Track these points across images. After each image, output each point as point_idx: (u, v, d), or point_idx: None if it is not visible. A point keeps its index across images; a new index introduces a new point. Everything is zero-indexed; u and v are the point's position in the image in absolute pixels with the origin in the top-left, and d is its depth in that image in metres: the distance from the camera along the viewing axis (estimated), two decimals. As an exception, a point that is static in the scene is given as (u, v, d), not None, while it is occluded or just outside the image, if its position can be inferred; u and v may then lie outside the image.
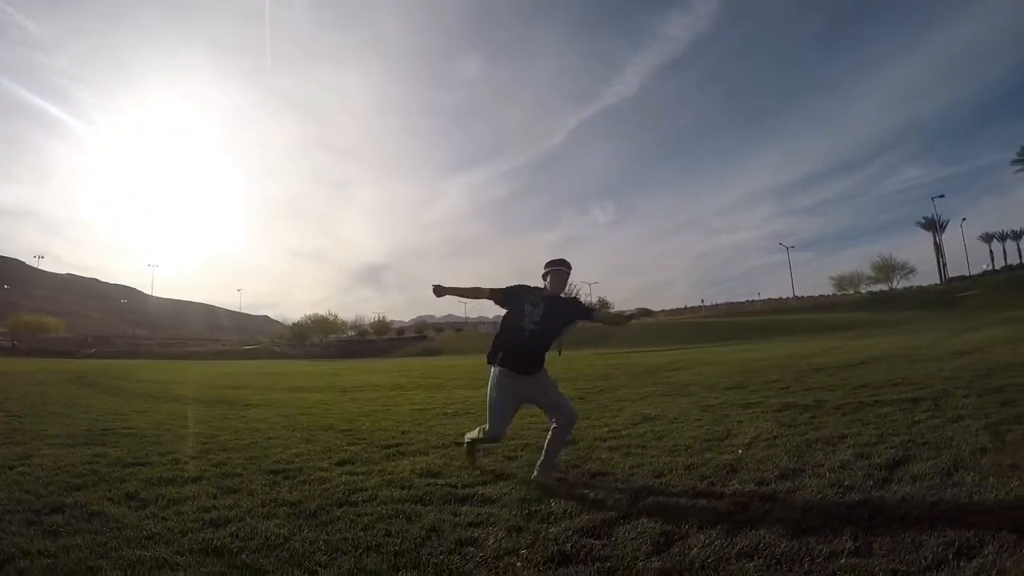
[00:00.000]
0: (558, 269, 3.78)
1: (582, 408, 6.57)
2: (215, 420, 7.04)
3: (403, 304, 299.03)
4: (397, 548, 2.53)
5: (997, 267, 62.35)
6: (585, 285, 73.06)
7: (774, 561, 2.24)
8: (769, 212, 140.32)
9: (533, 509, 3.05)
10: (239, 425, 6.55)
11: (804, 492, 3.13)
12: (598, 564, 2.31)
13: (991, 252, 66.74)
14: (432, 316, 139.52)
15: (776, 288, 76.64)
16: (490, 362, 3.78)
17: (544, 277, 3.81)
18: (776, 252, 75.18)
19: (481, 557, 2.42)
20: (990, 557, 2.12)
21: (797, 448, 4.17)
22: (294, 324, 79.61)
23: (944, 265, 61.49)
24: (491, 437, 3.80)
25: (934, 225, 61.86)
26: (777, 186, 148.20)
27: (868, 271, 64.64)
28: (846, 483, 3.22)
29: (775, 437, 4.60)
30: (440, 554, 2.46)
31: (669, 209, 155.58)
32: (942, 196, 63.42)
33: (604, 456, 4.33)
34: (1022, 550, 2.14)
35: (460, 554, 2.46)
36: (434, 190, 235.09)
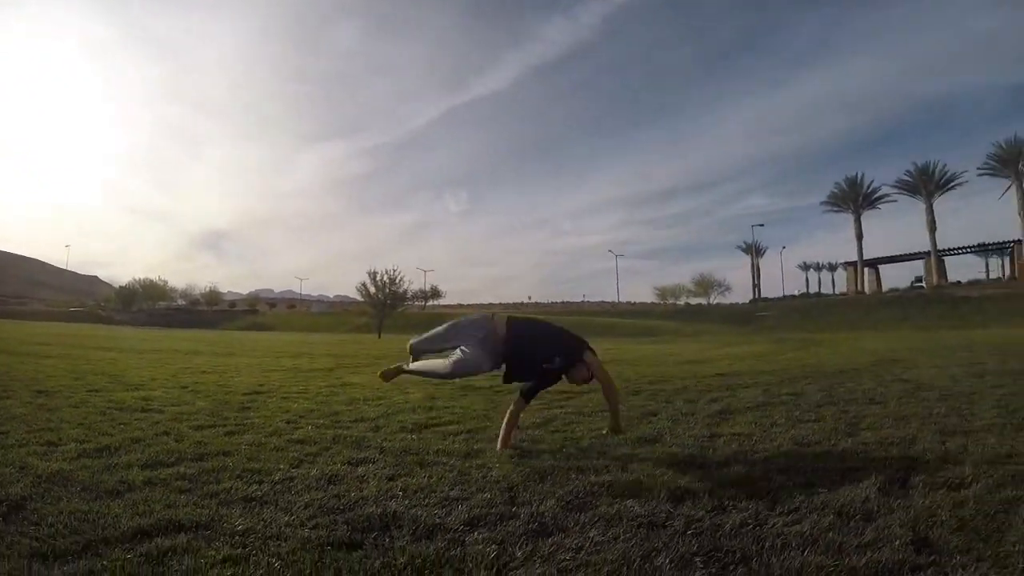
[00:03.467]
0: None
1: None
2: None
3: (243, 275, 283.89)
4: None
5: (808, 292, 72.72)
6: (420, 272, 75.00)
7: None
8: (619, 220, 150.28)
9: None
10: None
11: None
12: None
13: (807, 280, 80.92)
14: (271, 290, 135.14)
15: (614, 293, 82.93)
16: None
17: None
18: (621, 258, 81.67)
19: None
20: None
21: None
22: (121, 288, 75.51)
23: (757, 287, 70.74)
24: None
25: (752, 250, 71.12)
26: (630, 196, 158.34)
27: (690, 285, 73.80)
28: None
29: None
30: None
31: (522, 206, 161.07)
32: (762, 225, 74.64)
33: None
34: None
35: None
36: (290, 158, 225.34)
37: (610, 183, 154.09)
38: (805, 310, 51.94)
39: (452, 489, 2.68)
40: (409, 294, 44.48)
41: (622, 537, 2.15)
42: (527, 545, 2.05)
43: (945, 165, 57.85)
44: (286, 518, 2.27)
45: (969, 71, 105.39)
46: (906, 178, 59.52)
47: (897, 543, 2.12)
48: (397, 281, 38.95)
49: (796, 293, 70.69)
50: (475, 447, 3.61)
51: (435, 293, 75.25)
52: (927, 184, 58.10)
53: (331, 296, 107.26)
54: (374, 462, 3.18)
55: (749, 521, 2.34)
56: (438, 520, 2.27)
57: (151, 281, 76.41)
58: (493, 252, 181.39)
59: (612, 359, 11.20)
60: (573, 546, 2.06)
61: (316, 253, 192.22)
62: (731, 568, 1.94)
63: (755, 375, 7.86)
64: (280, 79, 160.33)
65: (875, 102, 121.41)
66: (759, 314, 52.40)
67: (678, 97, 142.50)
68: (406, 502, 2.48)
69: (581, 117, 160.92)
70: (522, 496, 2.57)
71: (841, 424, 4.35)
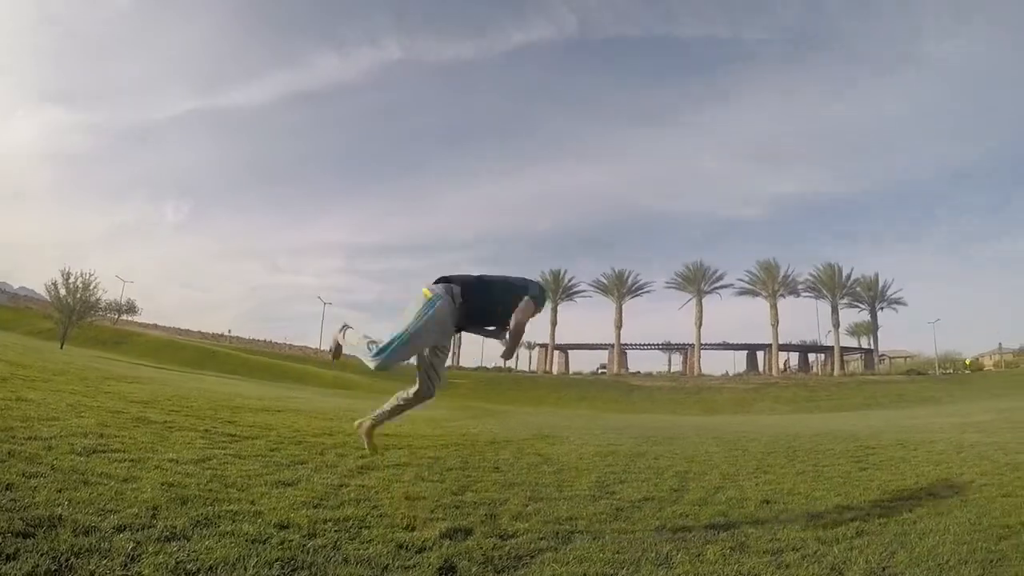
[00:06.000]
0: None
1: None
2: None
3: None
4: None
5: (502, 367, 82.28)
6: (118, 281, 69.90)
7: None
8: (337, 266, 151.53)
9: None
10: None
11: None
12: None
13: (517, 355, 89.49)
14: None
15: (318, 339, 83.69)
16: None
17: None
18: (330, 306, 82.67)
19: None
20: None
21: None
22: None
23: (456, 354, 78.51)
24: None
25: None
26: (353, 245, 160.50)
27: None
28: None
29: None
30: None
31: (244, 231, 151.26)
32: None
33: None
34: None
35: None
36: (6, 113, 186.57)
37: (336, 227, 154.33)
38: (496, 382, 57.95)
39: (108, 504, 3.63)
40: (102, 304, 40.59)
41: (229, 546, 3.27)
42: (158, 545, 3.14)
43: (638, 274, 72.83)
44: (-29, 514, 3.11)
45: (688, 199, 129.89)
46: (603, 280, 72.11)
47: (428, 567, 3.22)
48: (92, 287, 35.36)
49: (490, 366, 77.60)
50: (133, 474, 4.45)
51: (131, 308, 69.94)
52: (619, 287, 70.87)
53: (14, 287, 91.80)
54: (45, 476, 3.97)
55: (328, 545, 3.53)
56: (94, 524, 3.25)
57: None
58: (203, 275, 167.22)
59: (295, 408, 12.20)
60: (192, 548, 3.15)
61: (5, 232, 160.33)
62: (299, 570, 3.13)
63: (415, 438, 8.67)
64: (32, 15, 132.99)
65: (596, 207, 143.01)
66: (452, 381, 56.97)
67: (423, 160, 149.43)
68: (70, 509, 3.41)
69: (324, 154, 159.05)
70: (163, 513, 3.64)
71: (454, 486, 5.40)
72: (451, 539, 3.86)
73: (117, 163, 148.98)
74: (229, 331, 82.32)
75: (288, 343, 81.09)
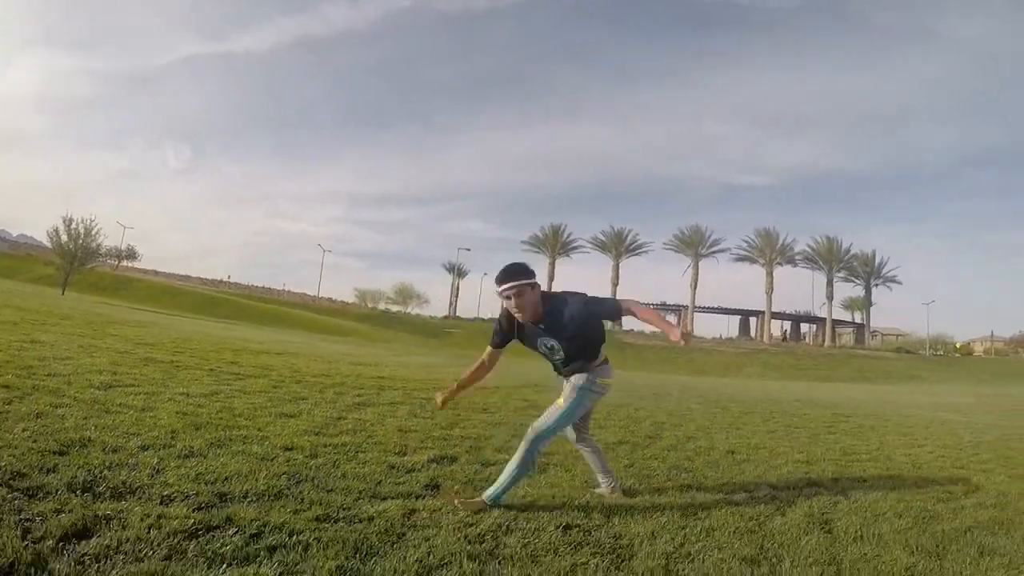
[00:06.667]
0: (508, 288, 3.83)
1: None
2: None
3: None
4: None
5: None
6: (119, 227, 70.07)
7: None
8: (338, 215, 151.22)
9: None
10: None
11: None
12: None
13: (502, 306, 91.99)
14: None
15: (315, 286, 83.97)
16: None
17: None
18: (329, 254, 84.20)
19: None
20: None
21: None
22: None
23: (454, 304, 78.19)
24: None
25: (455, 270, 79.67)
26: (355, 194, 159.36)
27: (390, 292, 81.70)
28: None
29: None
30: None
31: (246, 177, 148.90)
32: (468, 249, 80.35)
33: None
34: None
35: None
36: (12, 55, 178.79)
37: (339, 176, 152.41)
38: (491, 333, 58.43)
39: (130, 428, 4.06)
40: (103, 250, 40.49)
41: (242, 462, 3.67)
42: (179, 461, 3.57)
43: (637, 234, 72.50)
44: (10, 436, 3.49)
45: (693, 162, 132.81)
46: (601, 237, 72.41)
47: (416, 483, 3.73)
48: (93, 233, 35.27)
49: (487, 317, 78.61)
50: (150, 404, 4.88)
51: (131, 254, 70.30)
52: (617, 246, 71.14)
53: (14, 235, 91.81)
54: (70, 406, 4.39)
55: (328, 463, 3.93)
56: (120, 444, 3.68)
57: None
58: (202, 220, 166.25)
59: (295, 352, 12.63)
60: (209, 464, 3.56)
61: (4, 177, 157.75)
62: (304, 482, 3.61)
63: (409, 381, 9.17)
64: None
65: (600, 165, 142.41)
66: (448, 330, 57.55)
67: (432, 111, 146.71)
68: (98, 433, 3.83)
69: (329, 102, 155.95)
70: (180, 436, 4.07)
71: (444, 423, 5.79)
72: (438, 463, 4.36)
73: (119, 108, 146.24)
74: (229, 277, 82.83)
75: (287, 289, 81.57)
